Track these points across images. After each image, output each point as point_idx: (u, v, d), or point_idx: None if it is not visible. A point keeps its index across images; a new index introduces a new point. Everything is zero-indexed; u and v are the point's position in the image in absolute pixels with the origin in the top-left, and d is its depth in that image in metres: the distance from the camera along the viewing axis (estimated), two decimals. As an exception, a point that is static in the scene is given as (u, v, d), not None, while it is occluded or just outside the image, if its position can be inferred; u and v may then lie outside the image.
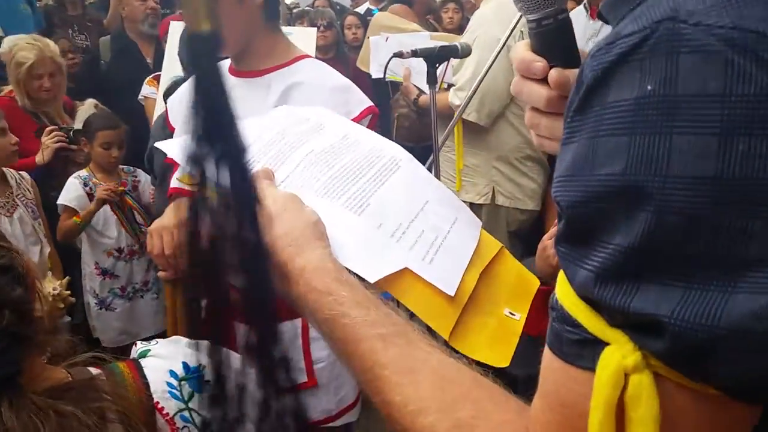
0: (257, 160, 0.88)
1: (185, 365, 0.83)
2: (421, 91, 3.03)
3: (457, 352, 0.70)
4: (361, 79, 3.75)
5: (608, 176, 0.42)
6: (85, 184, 3.02)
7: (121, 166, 3.17)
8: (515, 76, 0.74)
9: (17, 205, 2.73)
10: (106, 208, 3.00)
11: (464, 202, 2.62)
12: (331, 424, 1.71)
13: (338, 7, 6.49)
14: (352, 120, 1.49)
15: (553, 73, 0.68)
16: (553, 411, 0.49)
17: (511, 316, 0.84)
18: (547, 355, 0.49)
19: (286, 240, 0.71)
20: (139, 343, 0.87)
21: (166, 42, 3.59)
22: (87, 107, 3.40)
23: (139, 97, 3.56)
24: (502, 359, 0.77)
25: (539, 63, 0.70)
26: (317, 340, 1.62)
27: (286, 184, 0.84)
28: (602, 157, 0.43)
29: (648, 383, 0.43)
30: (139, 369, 0.80)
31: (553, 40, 0.70)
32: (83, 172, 3.05)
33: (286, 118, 0.98)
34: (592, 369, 0.45)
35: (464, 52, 2.08)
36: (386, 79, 3.18)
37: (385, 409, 0.61)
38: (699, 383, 0.42)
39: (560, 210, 0.47)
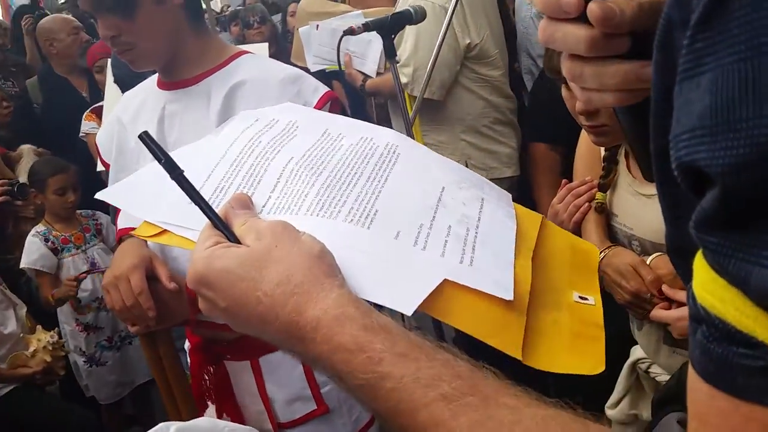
0: (227, 185, 0.71)
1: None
2: (366, 76, 2.84)
3: (536, 372, 0.53)
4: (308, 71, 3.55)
5: None
6: (46, 240, 2.83)
7: (79, 211, 2.99)
8: (543, 20, 0.55)
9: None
10: (74, 259, 2.82)
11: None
12: (350, 448, 1.55)
13: (270, 1, 6.27)
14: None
15: (593, 6, 0.50)
16: None
17: (583, 301, 0.67)
18: (703, 389, 0.32)
19: (288, 287, 0.54)
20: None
21: (95, 72, 3.42)
22: (26, 154, 3.21)
23: (81, 134, 3.37)
24: (594, 363, 0.60)
25: None
26: None
27: (268, 208, 0.67)
28: None
29: None
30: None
31: None
32: (40, 227, 2.86)
33: (250, 126, 0.80)
34: None
35: (418, 17, 1.88)
36: (326, 71, 2.97)
37: None
38: None
39: (690, 178, 0.31)
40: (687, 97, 0.30)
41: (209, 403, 1.50)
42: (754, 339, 0.29)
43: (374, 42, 2.63)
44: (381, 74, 2.77)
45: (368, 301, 0.55)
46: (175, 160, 0.66)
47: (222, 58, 1.40)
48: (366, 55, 2.80)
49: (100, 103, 3.41)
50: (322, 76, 3.08)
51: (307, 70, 3.02)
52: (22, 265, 2.75)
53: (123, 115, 1.48)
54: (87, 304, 2.85)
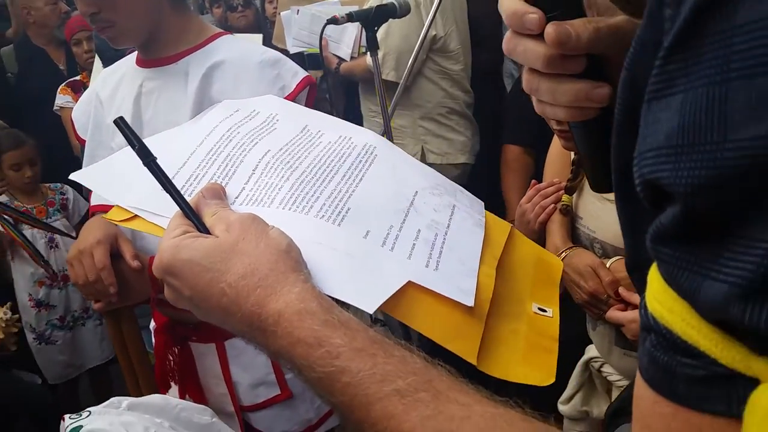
0: (202, 173, 0.71)
1: (128, 438, 0.65)
2: (341, 60, 2.98)
3: (489, 378, 0.54)
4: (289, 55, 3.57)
5: (758, 140, 0.27)
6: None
7: (47, 184, 2.94)
8: (507, 32, 0.57)
9: None
10: (34, 232, 2.77)
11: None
12: (313, 434, 1.57)
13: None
14: (289, 94, 1.31)
15: (549, 30, 0.52)
16: None
17: (542, 313, 0.69)
18: (647, 395, 0.34)
19: (253, 279, 0.55)
20: (67, 417, 0.69)
21: (73, 45, 3.39)
22: None
23: (55, 107, 3.32)
24: (545, 375, 0.62)
25: (534, 15, 0.53)
26: None
27: (240, 199, 0.68)
28: (743, 110, 0.27)
29: None
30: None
31: None
32: (2, 198, 2.82)
33: (230, 116, 0.81)
34: (729, 414, 0.30)
35: (402, 11, 1.90)
36: (306, 53, 3.09)
37: None
38: None
39: (651, 194, 0.32)
40: (656, 116, 0.31)
41: (172, 384, 1.50)
42: (697, 349, 0.31)
43: (349, 28, 2.82)
44: (354, 58, 2.95)
45: (332, 298, 0.56)
46: (151, 146, 0.66)
47: (202, 38, 1.40)
48: (341, 39, 2.97)
49: (76, 77, 3.37)
50: (299, 59, 3.14)
51: (286, 52, 3.09)
52: None
53: (101, 91, 1.47)
54: (40, 280, 2.81)
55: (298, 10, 3.01)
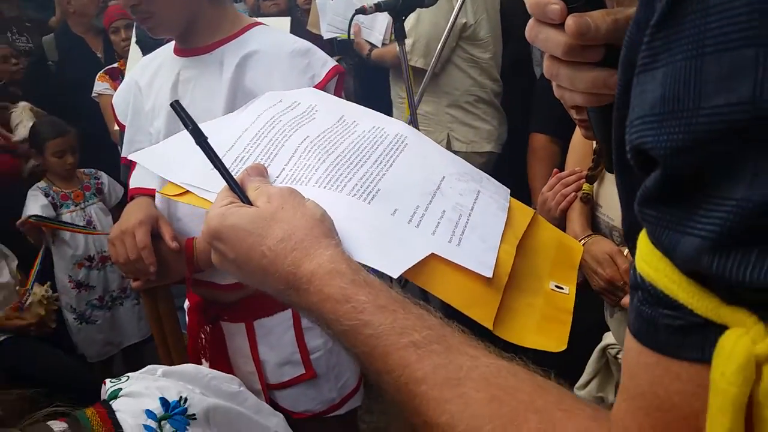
0: (247, 156, 0.78)
1: (163, 401, 0.71)
2: (373, 46, 3.00)
3: (505, 344, 0.59)
4: (317, 42, 3.60)
5: (727, 107, 0.31)
6: (47, 195, 2.89)
7: (81, 170, 3.04)
8: (530, 20, 0.61)
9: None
10: (73, 215, 2.88)
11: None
12: (335, 413, 1.62)
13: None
14: (318, 83, 1.36)
15: (570, 21, 0.55)
16: (648, 415, 0.38)
17: (558, 290, 0.73)
18: (633, 347, 0.38)
19: (290, 243, 0.61)
20: (107, 381, 0.75)
21: (111, 33, 3.45)
22: (20, 110, 3.23)
23: (93, 94, 3.40)
24: (558, 343, 0.67)
25: (555, 5, 0.56)
26: (311, 329, 1.53)
27: (281, 178, 0.74)
28: (714, 81, 0.31)
29: None
30: (111, 414, 0.68)
31: None
32: (41, 184, 2.92)
33: (273, 106, 0.88)
34: (702, 360, 0.34)
35: (431, 1, 1.93)
36: (338, 39, 3.12)
37: (426, 428, 0.50)
38: None
39: (640, 160, 0.36)
40: (643, 87, 0.35)
41: (203, 360, 1.57)
42: (676, 302, 0.35)
43: (381, 15, 2.80)
44: (386, 45, 2.95)
45: (360, 264, 0.61)
46: (203, 130, 0.73)
47: (236, 28, 1.45)
48: (373, 26, 2.98)
49: (114, 65, 3.46)
50: (329, 45, 3.19)
51: (321, 37, 3.13)
52: (25, 214, 2.78)
53: (140, 79, 1.53)
54: (79, 262, 2.90)
55: None
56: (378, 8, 1.91)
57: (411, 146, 0.81)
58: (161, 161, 0.84)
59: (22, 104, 3.30)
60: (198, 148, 0.72)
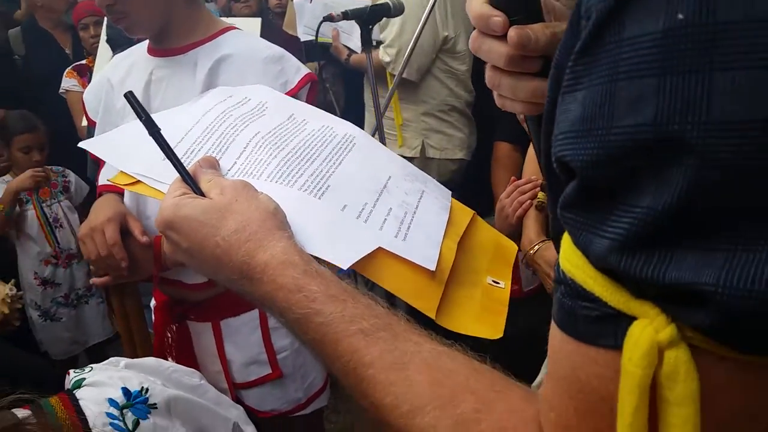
0: (198, 148, 0.80)
1: (125, 390, 0.74)
2: (351, 51, 3.06)
3: (446, 332, 0.63)
4: (290, 44, 3.62)
5: (634, 127, 0.35)
6: None
7: (49, 167, 3.01)
8: (474, 32, 0.65)
9: None
10: (30, 212, 2.86)
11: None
12: (301, 412, 1.65)
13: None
14: (291, 89, 1.40)
15: (512, 33, 0.60)
16: (571, 397, 0.42)
17: (495, 284, 0.78)
18: (557, 335, 0.43)
19: (244, 234, 0.63)
20: (71, 371, 0.77)
21: (80, 29, 3.44)
22: None
23: (60, 90, 3.38)
24: (494, 331, 0.72)
25: (498, 18, 0.61)
26: (278, 329, 1.56)
27: (233, 171, 0.77)
28: (624, 104, 0.36)
29: (686, 358, 0.36)
30: (74, 402, 0.71)
31: None
32: (7, 177, 2.89)
33: (224, 101, 0.90)
34: (615, 347, 0.38)
35: (396, 11, 1.98)
36: (316, 42, 3.11)
37: (376, 412, 0.54)
38: (749, 354, 0.36)
39: (563, 171, 0.40)
40: (566, 107, 0.39)
41: (170, 359, 1.58)
42: (593, 295, 0.39)
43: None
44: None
45: (311, 256, 0.64)
46: (156, 120, 0.75)
47: (211, 31, 1.47)
48: (352, 31, 3.03)
49: (82, 61, 3.44)
50: (310, 47, 3.20)
51: (297, 39, 3.15)
52: None
53: (112, 76, 1.54)
54: (46, 259, 2.89)
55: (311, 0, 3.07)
56: (345, 16, 1.96)
57: (359, 146, 0.85)
58: (113, 150, 0.86)
59: None
60: (150, 138, 0.74)
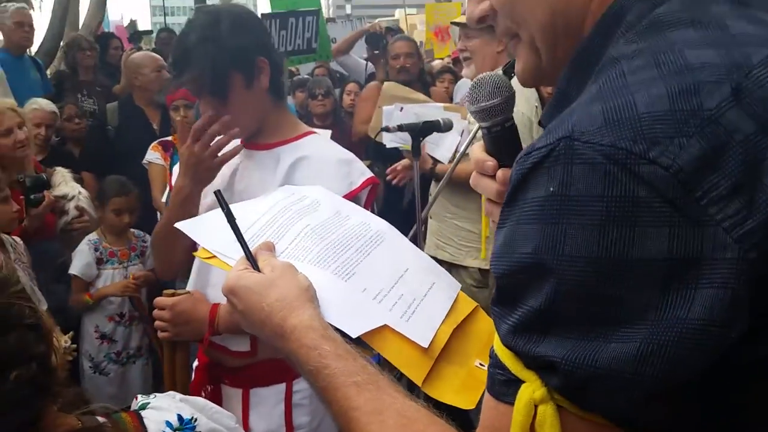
0: (262, 233, 1.02)
1: (179, 417, 0.94)
2: (436, 161, 3.16)
3: (429, 397, 0.81)
4: (356, 145, 3.93)
5: (524, 255, 0.55)
6: (96, 249, 3.14)
7: (131, 230, 3.27)
8: (473, 172, 0.87)
9: (16, 269, 2.83)
10: (114, 273, 3.13)
11: (471, 267, 2.82)
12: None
13: (338, 75, 6.78)
14: (353, 190, 1.63)
15: (499, 174, 0.82)
16: None
17: (481, 366, 0.95)
18: (486, 395, 0.62)
19: (282, 303, 0.84)
20: (139, 396, 0.98)
21: (171, 109, 3.76)
22: (59, 174, 3.39)
23: (144, 161, 3.65)
24: (469, 403, 0.88)
25: (490, 162, 0.84)
26: (300, 406, 1.72)
27: (285, 254, 0.98)
28: (521, 240, 0.56)
29: (551, 413, 0.55)
30: (140, 419, 0.91)
31: (501, 144, 0.84)
32: (93, 236, 3.16)
33: (287, 198, 1.13)
34: (512, 403, 0.57)
35: (446, 127, 2.25)
36: (400, 149, 3.28)
37: None
38: (589, 413, 0.54)
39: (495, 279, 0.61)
40: (497, 237, 0.60)
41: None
42: (503, 364, 0.58)
43: (450, 134, 2.93)
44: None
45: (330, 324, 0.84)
46: (234, 210, 0.98)
47: (295, 134, 1.73)
48: (441, 143, 3.12)
49: (168, 138, 3.78)
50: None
51: (382, 145, 3.33)
52: (70, 270, 3.04)
53: None
54: (110, 315, 3.12)
55: (402, 108, 3.22)
56: (401, 129, 2.23)
57: (387, 241, 1.06)
58: (199, 231, 1.10)
59: (60, 169, 3.45)
60: (228, 226, 0.96)
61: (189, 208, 1.63)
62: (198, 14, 1.74)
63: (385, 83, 3.69)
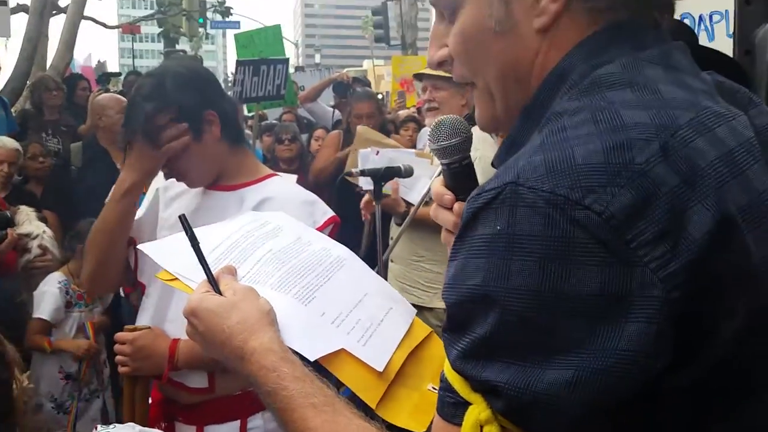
0: (224, 258, 1.06)
1: (138, 446, 0.96)
2: (409, 204, 3.16)
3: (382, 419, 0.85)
4: (321, 188, 4.00)
5: (472, 286, 0.60)
6: (66, 292, 3.16)
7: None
8: (433, 204, 0.93)
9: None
10: (81, 315, 3.17)
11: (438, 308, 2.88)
12: None
13: (305, 121, 6.91)
14: (317, 228, 1.67)
15: (456, 207, 0.88)
16: None
17: (433, 390, 0.98)
18: (435, 416, 0.66)
19: (243, 326, 0.88)
20: (99, 426, 1.00)
21: None
22: (24, 213, 3.40)
23: (107, 201, 3.68)
24: (421, 425, 0.92)
25: (448, 196, 0.90)
26: None
27: (246, 278, 1.01)
28: (469, 272, 0.61)
29: None
30: (99, 448, 0.94)
31: (459, 179, 0.89)
32: (61, 277, 3.16)
33: (250, 223, 1.17)
34: (459, 424, 0.61)
35: (407, 173, 2.34)
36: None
37: None
38: None
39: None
40: (449, 269, 0.65)
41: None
42: (452, 387, 0.62)
43: (423, 178, 3.00)
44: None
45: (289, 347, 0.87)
46: (197, 233, 1.01)
47: (258, 175, 1.79)
48: (414, 186, 3.16)
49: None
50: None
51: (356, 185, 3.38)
52: (35, 314, 3.03)
53: (166, 192, 1.85)
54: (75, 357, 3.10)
55: (377, 151, 3.30)
56: (363, 174, 2.31)
57: (347, 267, 1.10)
58: (162, 253, 1.13)
59: (24, 208, 3.46)
60: (191, 249, 0.99)
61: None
62: (144, 77, 1.86)
63: (359, 127, 3.80)
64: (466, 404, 0.61)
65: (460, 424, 0.62)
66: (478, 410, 0.60)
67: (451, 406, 0.63)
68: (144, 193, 3.10)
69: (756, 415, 0.65)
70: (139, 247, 1.17)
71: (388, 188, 3.34)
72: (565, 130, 0.63)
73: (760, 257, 0.60)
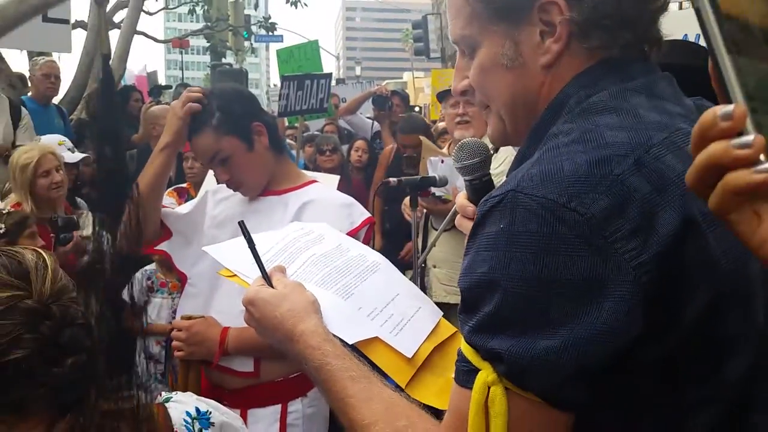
0: (276, 258, 1.22)
1: (197, 409, 1.12)
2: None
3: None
4: (362, 194, 4.16)
5: (480, 274, 0.74)
6: (148, 278, 3.41)
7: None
8: (457, 215, 1.07)
9: (70, 281, 2.99)
10: (162, 302, 3.41)
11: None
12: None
13: (346, 132, 7.10)
14: (354, 228, 1.86)
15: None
16: (454, 418, 0.79)
17: None
18: (453, 384, 0.80)
19: (292, 313, 1.02)
20: (163, 393, 1.16)
21: (185, 158, 3.98)
22: (85, 216, 3.61)
23: (159, 206, 3.88)
24: (445, 404, 1.03)
25: (470, 208, 1.04)
26: (293, 426, 1.90)
27: (294, 276, 1.17)
28: (479, 262, 0.75)
29: (500, 392, 0.73)
30: (164, 409, 1.09)
31: (479, 193, 1.02)
32: (149, 267, 3.41)
33: (297, 231, 1.34)
34: (471, 388, 0.74)
35: (441, 183, 2.48)
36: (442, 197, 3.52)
37: (349, 425, 0.90)
38: (528, 393, 0.72)
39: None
40: (463, 261, 0.78)
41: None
42: (466, 357, 0.76)
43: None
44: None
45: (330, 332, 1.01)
46: (255, 238, 1.16)
47: (301, 182, 1.98)
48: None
49: (183, 185, 4.00)
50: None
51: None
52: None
53: (215, 194, 2.05)
54: (158, 340, 3.37)
55: (443, 160, 3.48)
56: (400, 183, 2.45)
57: (381, 270, 1.25)
58: (223, 254, 1.30)
59: (85, 212, 3.73)
60: (249, 251, 1.14)
61: (164, 156, 1.92)
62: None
63: (423, 139, 3.94)
64: (477, 371, 0.74)
65: (470, 388, 0.74)
66: (485, 374, 0.74)
67: (465, 373, 0.76)
68: (191, 195, 3.29)
69: (724, 377, 0.76)
70: (204, 248, 1.36)
71: (450, 193, 3.52)
72: (558, 148, 0.76)
73: (720, 251, 0.73)
